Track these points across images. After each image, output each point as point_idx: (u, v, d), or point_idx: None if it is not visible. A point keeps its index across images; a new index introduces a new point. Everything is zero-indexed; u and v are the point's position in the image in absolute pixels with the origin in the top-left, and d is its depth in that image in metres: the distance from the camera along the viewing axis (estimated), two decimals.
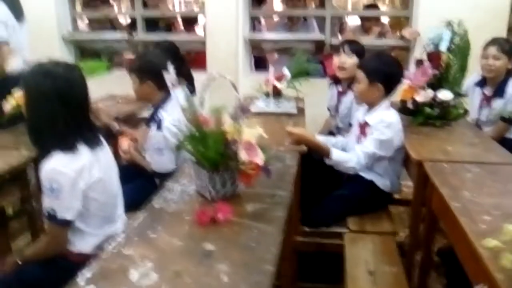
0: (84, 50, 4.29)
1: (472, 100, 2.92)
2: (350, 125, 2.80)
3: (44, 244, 1.67)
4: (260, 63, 4.34)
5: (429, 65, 2.48)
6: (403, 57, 3.73)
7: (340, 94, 2.90)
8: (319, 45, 3.89)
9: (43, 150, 1.56)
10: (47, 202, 1.53)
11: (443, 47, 2.47)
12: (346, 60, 2.74)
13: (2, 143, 2.21)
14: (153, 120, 2.30)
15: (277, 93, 2.74)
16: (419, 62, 2.57)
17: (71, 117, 1.57)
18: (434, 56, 2.48)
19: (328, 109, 3.14)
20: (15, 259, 1.69)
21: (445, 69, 2.49)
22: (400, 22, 4.25)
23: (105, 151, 1.71)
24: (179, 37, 4.16)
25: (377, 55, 2.37)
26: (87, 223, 1.64)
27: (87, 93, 1.64)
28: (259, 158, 1.47)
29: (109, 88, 3.39)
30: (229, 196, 1.54)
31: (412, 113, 2.54)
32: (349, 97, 2.82)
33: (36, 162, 2.07)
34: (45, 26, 3.86)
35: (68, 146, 1.55)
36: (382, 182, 2.26)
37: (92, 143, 1.63)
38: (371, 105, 2.25)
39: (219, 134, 1.43)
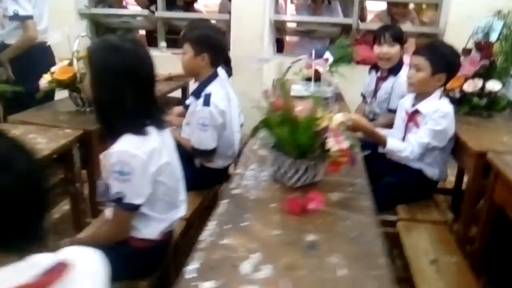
0: (98, 26, 4.12)
1: None
2: (389, 110, 2.76)
3: (107, 229, 1.58)
4: (278, 46, 4.26)
5: (478, 55, 2.43)
6: None
7: (380, 79, 2.85)
8: (344, 29, 3.81)
9: (112, 131, 1.47)
10: (115, 186, 1.45)
11: (493, 37, 2.42)
12: (389, 50, 2.68)
13: (43, 121, 2.09)
14: (199, 95, 2.20)
15: (317, 78, 2.67)
16: (467, 52, 2.52)
17: (140, 96, 1.48)
18: (484, 46, 2.43)
19: (362, 95, 3.08)
20: (69, 243, 1.61)
21: (494, 59, 2.44)
22: (422, 8, 4.20)
23: (168, 133, 1.63)
24: (199, 15, 4.02)
25: (440, 43, 2.30)
26: (153, 208, 1.56)
27: (154, 70, 1.55)
28: (346, 145, 1.41)
29: None
30: (308, 184, 1.48)
31: (457, 103, 2.50)
32: (389, 82, 2.77)
33: (81, 142, 1.98)
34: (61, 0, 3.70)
35: (138, 127, 1.46)
36: (431, 171, 2.23)
37: (160, 124, 1.55)
38: (425, 94, 2.19)
39: (311, 120, 1.36)
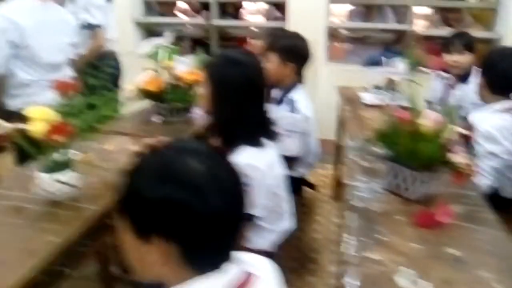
0: (151, 34, 4.18)
1: None
2: (461, 118, 2.74)
3: None
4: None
5: None
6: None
7: (449, 87, 2.83)
8: (399, 35, 3.81)
9: (230, 143, 1.50)
10: None
11: None
12: (459, 59, 2.67)
13: (134, 131, 2.13)
14: (280, 101, 2.22)
15: (391, 86, 2.67)
16: None
17: (258, 107, 1.52)
18: None
19: (427, 101, 3.06)
20: None
21: None
22: (477, 14, 4.14)
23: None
24: (253, 23, 4.04)
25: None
26: (266, 219, 1.58)
27: (267, 82, 1.58)
28: (465, 157, 1.41)
29: None
30: (424, 196, 1.48)
31: None
32: (458, 90, 2.76)
33: None
34: (117, 8, 3.75)
35: (256, 139, 1.49)
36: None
37: (272, 136, 1.57)
38: None
39: (438, 132, 1.36)
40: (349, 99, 2.83)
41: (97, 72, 2.88)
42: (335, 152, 3.18)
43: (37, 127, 1.28)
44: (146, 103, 2.38)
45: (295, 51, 2.18)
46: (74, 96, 1.41)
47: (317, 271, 2.40)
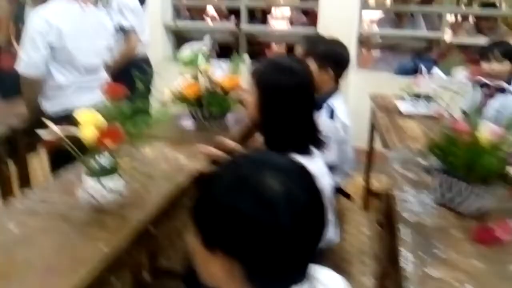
0: (179, 39, 4.19)
1: None
2: None
3: None
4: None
5: None
6: None
7: (487, 96, 2.76)
8: (430, 43, 3.75)
9: (278, 151, 1.46)
10: None
11: None
12: (498, 67, 2.60)
13: (171, 137, 2.10)
14: (324, 108, 2.18)
15: (427, 95, 2.61)
16: None
17: (307, 115, 1.48)
18: None
19: (462, 111, 3.00)
20: None
21: None
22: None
23: None
24: (282, 30, 4.01)
25: None
26: None
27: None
28: None
29: None
30: (479, 211, 1.43)
31: None
32: (497, 99, 2.69)
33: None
34: (148, 13, 3.77)
35: (305, 148, 1.46)
36: None
37: (321, 145, 1.53)
38: None
39: (499, 145, 1.31)
40: (384, 107, 2.78)
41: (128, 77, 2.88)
42: (366, 160, 3.13)
43: (87, 132, 1.26)
44: (178, 109, 2.36)
45: (334, 57, 2.14)
46: (122, 100, 1.38)
47: (349, 283, 2.34)
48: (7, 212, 1.40)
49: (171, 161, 1.81)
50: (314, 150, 1.49)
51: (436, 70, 2.65)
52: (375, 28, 4.01)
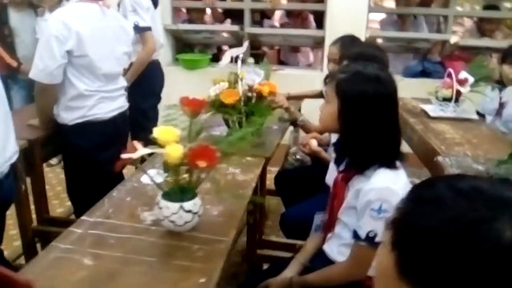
0: (179, 42, 4.02)
1: None
2: None
3: (345, 268, 1.46)
4: None
5: None
6: None
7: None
8: (434, 45, 3.75)
9: (362, 164, 1.37)
10: (369, 224, 1.34)
11: None
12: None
13: None
14: None
15: (457, 98, 2.57)
16: None
17: (393, 126, 1.39)
18: None
19: (479, 113, 2.99)
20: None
21: None
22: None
23: None
24: (292, 31, 3.91)
25: None
26: None
27: None
28: None
29: (209, 83, 3.17)
30: None
31: None
32: None
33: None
34: None
35: (391, 161, 1.37)
36: None
37: (404, 158, 1.44)
38: None
39: None
40: (408, 111, 2.73)
41: (141, 82, 2.71)
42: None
43: (173, 151, 1.12)
44: (207, 116, 2.23)
45: (370, 59, 2.06)
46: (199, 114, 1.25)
47: None
48: (72, 242, 1.23)
49: (227, 176, 1.68)
50: (398, 163, 1.40)
51: (464, 73, 2.61)
52: (379, 31, 3.99)
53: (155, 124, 2.94)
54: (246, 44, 2.05)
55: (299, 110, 3.13)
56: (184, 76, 3.71)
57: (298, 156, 2.62)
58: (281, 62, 4.29)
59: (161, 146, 1.18)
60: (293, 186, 2.35)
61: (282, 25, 4.31)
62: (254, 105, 2.03)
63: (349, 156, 1.41)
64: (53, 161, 3.17)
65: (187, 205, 1.21)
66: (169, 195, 1.23)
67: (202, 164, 1.10)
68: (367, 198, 1.33)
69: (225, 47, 4.53)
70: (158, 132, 1.18)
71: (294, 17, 4.24)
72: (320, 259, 1.56)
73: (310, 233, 1.67)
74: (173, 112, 1.64)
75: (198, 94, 2.59)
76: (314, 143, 2.36)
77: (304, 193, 2.21)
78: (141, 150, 1.11)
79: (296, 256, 1.64)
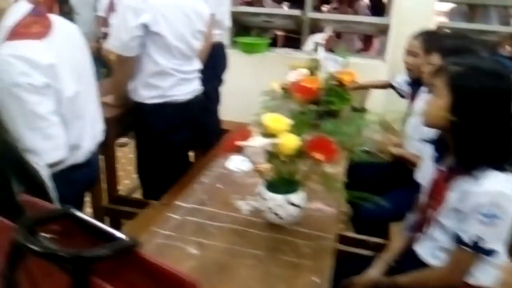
0: (235, 25, 3.94)
1: None
2: None
3: (442, 273, 1.39)
4: None
5: None
6: None
7: None
8: (502, 37, 3.55)
9: (470, 165, 1.29)
10: (476, 228, 1.26)
11: None
12: None
13: None
14: None
15: None
16: None
17: (507, 125, 1.30)
18: None
19: None
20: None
21: None
22: None
23: None
24: (354, 18, 3.78)
25: None
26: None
27: None
28: None
29: (268, 68, 3.09)
30: None
31: None
32: None
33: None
34: None
35: (503, 164, 1.28)
36: None
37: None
38: None
39: None
40: None
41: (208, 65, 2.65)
42: None
43: (289, 142, 1.07)
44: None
45: (462, 53, 1.94)
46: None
47: None
48: (173, 229, 1.20)
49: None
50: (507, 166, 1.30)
51: None
52: (447, 21, 3.82)
53: (216, 107, 2.91)
54: (329, 30, 1.96)
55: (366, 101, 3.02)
56: (242, 60, 3.63)
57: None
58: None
59: (267, 134, 1.13)
60: (364, 181, 2.27)
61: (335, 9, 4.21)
62: (334, 93, 1.95)
63: (456, 154, 1.33)
64: (122, 140, 3.19)
65: (294, 198, 1.17)
66: (274, 187, 1.18)
67: (319, 156, 1.04)
68: (477, 201, 1.25)
69: (278, 33, 4.45)
70: (267, 119, 1.13)
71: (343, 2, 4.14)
72: (410, 260, 1.49)
73: (400, 232, 1.60)
74: (267, 99, 1.60)
75: (259, 79, 2.54)
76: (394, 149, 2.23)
77: (375, 189, 2.12)
78: (256, 139, 1.06)
79: (381, 255, 1.57)
